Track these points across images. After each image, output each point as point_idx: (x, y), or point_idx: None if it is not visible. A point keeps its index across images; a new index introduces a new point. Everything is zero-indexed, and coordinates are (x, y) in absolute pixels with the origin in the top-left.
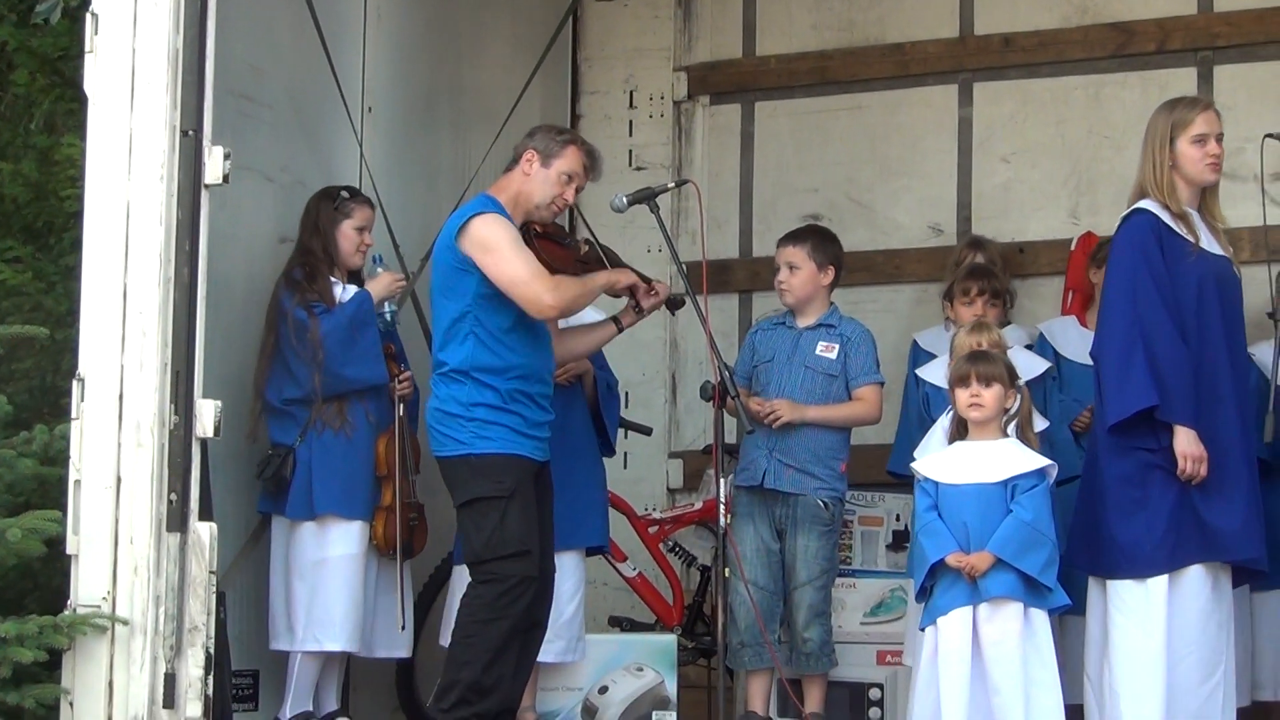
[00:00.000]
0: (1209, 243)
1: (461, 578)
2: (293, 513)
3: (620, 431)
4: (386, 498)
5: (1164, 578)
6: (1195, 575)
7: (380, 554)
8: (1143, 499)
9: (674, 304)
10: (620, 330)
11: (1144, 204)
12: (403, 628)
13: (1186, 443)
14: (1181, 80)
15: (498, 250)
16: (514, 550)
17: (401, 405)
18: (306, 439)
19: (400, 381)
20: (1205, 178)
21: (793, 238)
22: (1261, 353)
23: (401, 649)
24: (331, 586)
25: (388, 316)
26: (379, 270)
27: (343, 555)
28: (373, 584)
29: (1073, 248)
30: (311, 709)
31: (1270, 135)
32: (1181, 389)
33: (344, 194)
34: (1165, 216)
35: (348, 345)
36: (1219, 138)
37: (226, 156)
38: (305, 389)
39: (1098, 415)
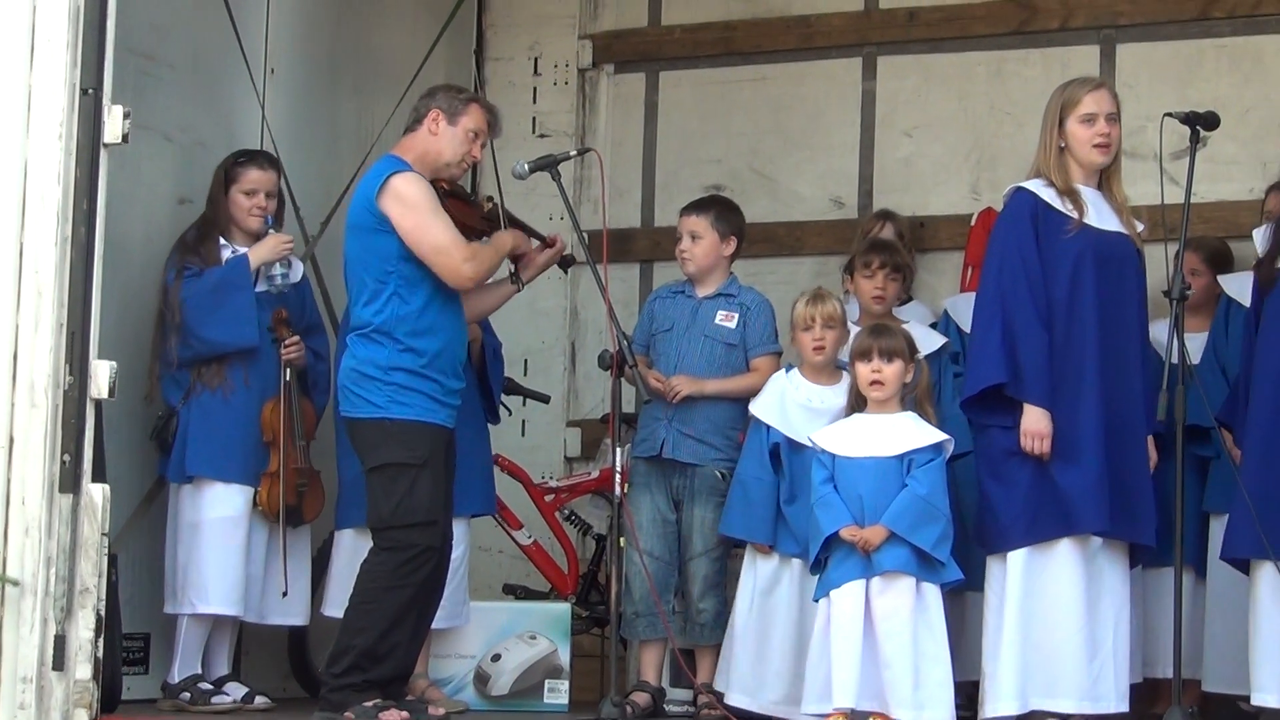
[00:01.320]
0: (1102, 218)
1: (343, 543)
2: (172, 475)
3: (518, 399)
4: (273, 463)
5: (1022, 553)
6: (1064, 551)
7: (264, 519)
8: (1001, 475)
9: (565, 262)
10: (520, 288)
11: (1027, 182)
12: (285, 594)
13: (1031, 420)
14: (1084, 58)
15: (418, 212)
16: (421, 519)
17: (289, 370)
18: (188, 401)
19: (287, 345)
20: (1093, 158)
21: (696, 207)
22: (1158, 331)
23: (297, 616)
24: (206, 550)
25: (278, 280)
26: (270, 233)
27: (219, 518)
28: (262, 550)
29: (973, 223)
30: (200, 672)
31: (1169, 114)
32: (1034, 368)
33: (241, 158)
34: (1049, 194)
35: (210, 308)
36: (1110, 117)
37: (126, 116)
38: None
39: None
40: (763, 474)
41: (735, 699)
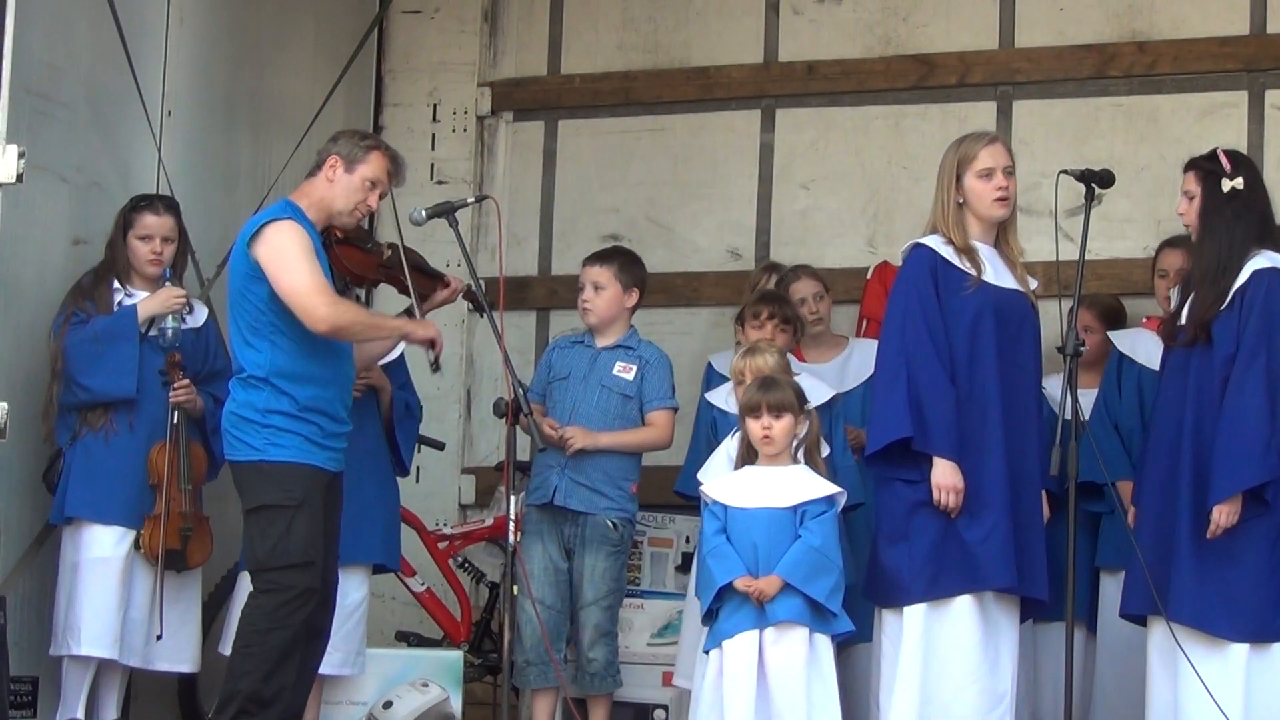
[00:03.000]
0: (999, 276)
1: (245, 587)
2: (52, 515)
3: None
4: (158, 506)
5: (921, 607)
6: (962, 606)
7: (148, 562)
8: (905, 529)
9: (480, 307)
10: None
11: (925, 239)
12: (159, 638)
13: (941, 474)
14: (981, 114)
15: (282, 259)
16: (298, 560)
17: (177, 413)
18: (74, 443)
19: (176, 389)
20: (993, 212)
21: (599, 258)
22: (1052, 386)
23: (185, 663)
24: (83, 591)
25: (169, 333)
26: (166, 284)
27: (96, 559)
28: (147, 594)
29: (869, 276)
30: (80, 716)
31: (1065, 171)
32: (941, 421)
33: (140, 203)
34: (948, 251)
35: (91, 357)
36: (1007, 171)
37: (21, 155)
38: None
39: None
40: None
41: None
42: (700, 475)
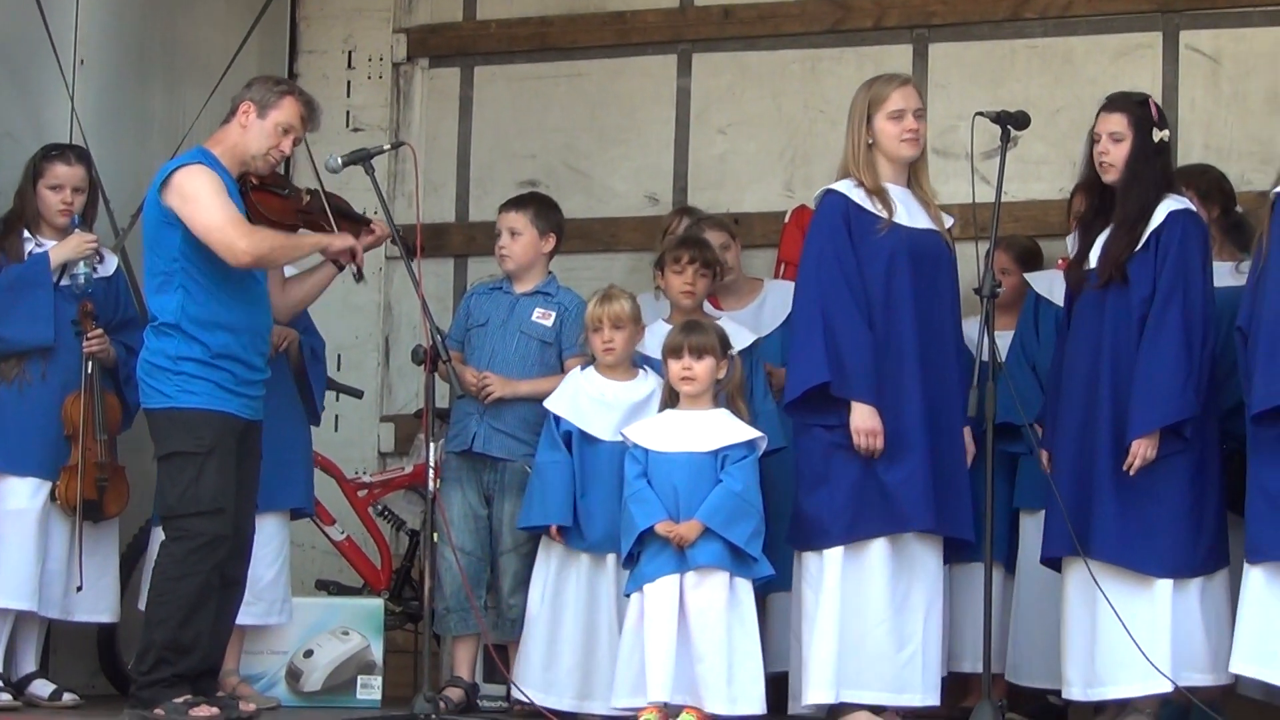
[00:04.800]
0: (912, 216)
1: (159, 538)
2: None
3: (331, 394)
4: (73, 457)
5: (840, 550)
6: (877, 548)
7: (64, 513)
8: (825, 473)
9: (409, 253)
10: (341, 269)
11: (836, 184)
12: (79, 589)
13: (860, 418)
14: (896, 57)
15: (195, 199)
16: (207, 508)
17: (91, 363)
18: None
19: (89, 339)
20: (903, 153)
21: (515, 204)
22: (970, 328)
23: (104, 613)
24: (1, 543)
25: (80, 279)
26: (75, 232)
27: (12, 511)
28: (64, 545)
29: (786, 220)
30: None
31: (981, 113)
32: (858, 365)
33: (51, 153)
34: (858, 195)
35: (6, 306)
36: (917, 113)
37: None
38: None
39: None
40: (557, 456)
41: (529, 694)
42: (549, 404)
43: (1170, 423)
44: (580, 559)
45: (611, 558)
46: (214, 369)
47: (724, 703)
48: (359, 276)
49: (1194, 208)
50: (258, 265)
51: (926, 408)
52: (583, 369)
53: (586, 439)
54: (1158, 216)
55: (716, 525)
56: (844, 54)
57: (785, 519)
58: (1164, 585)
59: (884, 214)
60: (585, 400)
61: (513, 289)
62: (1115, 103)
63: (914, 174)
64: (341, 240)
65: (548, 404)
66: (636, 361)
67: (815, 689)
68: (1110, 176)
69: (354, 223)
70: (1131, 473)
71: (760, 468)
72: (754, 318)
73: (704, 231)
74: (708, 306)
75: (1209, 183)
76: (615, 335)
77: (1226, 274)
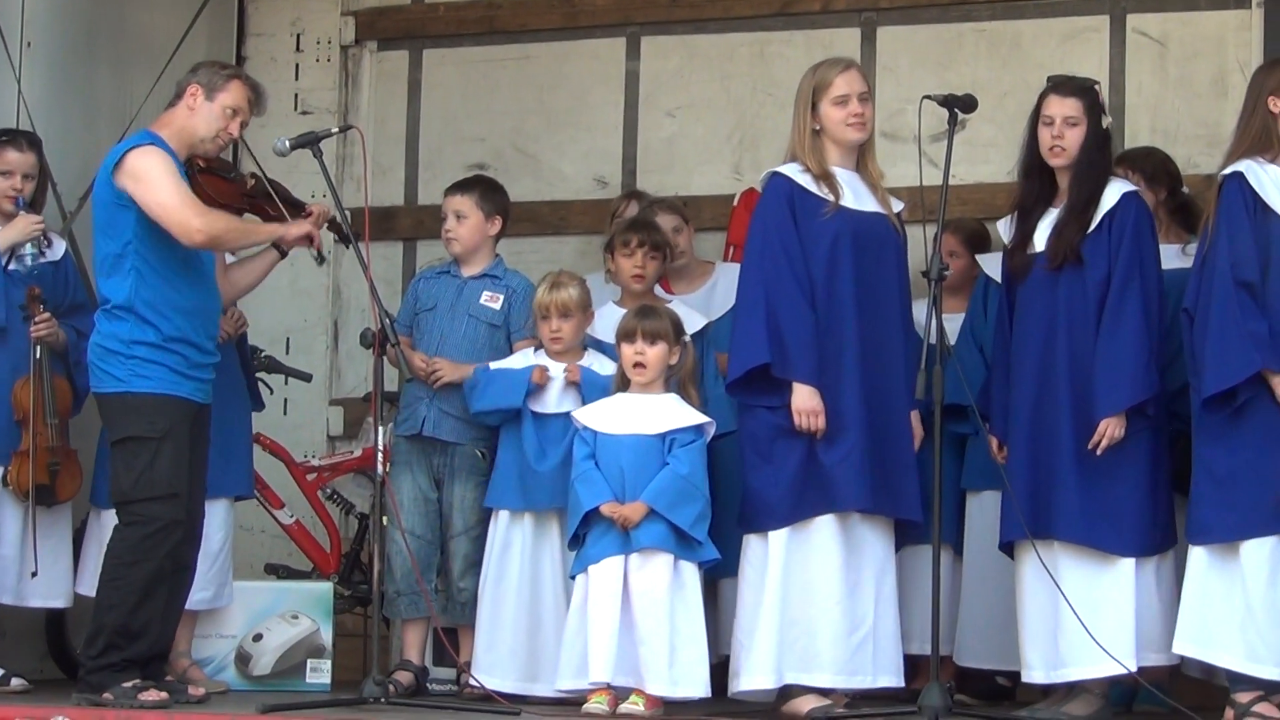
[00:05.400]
0: (859, 200)
1: (98, 522)
2: None
3: (280, 378)
4: (24, 442)
5: (784, 531)
6: (824, 529)
7: (17, 499)
8: (768, 454)
9: (346, 238)
10: (283, 255)
11: (782, 168)
12: (34, 574)
13: (801, 399)
14: (845, 40)
15: (149, 180)
16: (162, 493)
17: (39, 348)
18: None
19: (37, 323)
20: (849, 137)
21: (460, 186)
22: (919, 311)
23: (57, 598)
24: None
25: (28, 260)
26: (20, 214)
27: None
28: (17, 530)
29: (735, 203)
30: None
31: (928, 97)
32: (799, 347)
33: (3, 138)
34: (805, 178)
35: None
36: (862, 97)
37: None
38: None
39: None
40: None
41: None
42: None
43: (1138, 401)
44: (524, 542)
45: (556, 543)
46: (167, 353)
47: (666, 685)
48: (320, 259)
49: (1138, 190)
50: (210, 246)
51: (866, 389)
52: (535, 350)
53: (537, 417)
54: (1109, 198)
55: (661, 507)
56: (792, 37)
57: (737, 503)
58: (1127, 564)
59: (830, 197)
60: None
61: (460, 273)
62: (1067, 87)
63: (862, 157)
64: (298, 228)
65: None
66: (586, 345)
67: (755, 674)
68: (1060, 161)
69: (294, 207)
70: (1099, 453)
71: (712, 451)
72: (705, 301)
73: (657, 214)
74: (659, 290)
75: (1155, 165)
76: (563, 324)
77: (1173, 256)
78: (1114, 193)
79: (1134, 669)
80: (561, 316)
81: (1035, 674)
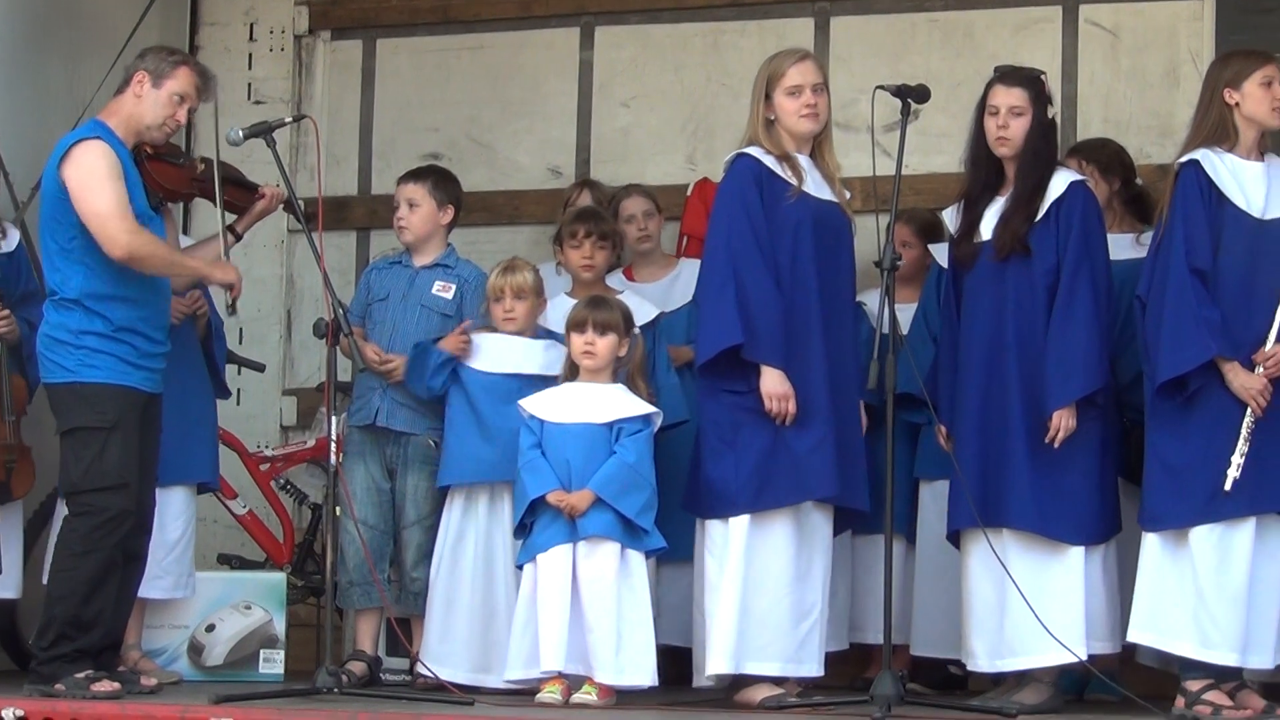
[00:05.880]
0: (817, 187)
1: (63, 513)
2: None
3: (234, 368)
4: None
5: (745, 518)
6: (782, 515)
7: None
8: (733, 440)
9: (307, 217)
10: (238, 239)
11: (748, 149)
12: None
13: (771, 383)
14: (798, 31)
15: (88, 181)
16: (112, 483)
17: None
18: None
19: None
20: (802, 128)
21: (414, 175)
22: (871, 301)
23: (10, 589)
24: None
25: None
26: None
27: None
28: None
29: (689, 193)
30: None
31: (881, 87)
32: (769, 330)
33: None
34: (769, 160)
35: None
36: (816, 87)
37: None
38: None
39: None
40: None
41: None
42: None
43: (1090, 392)
44: (478, 530)
45: (508, 534)
46: (116, 343)
47: (613, 673)
48: (231, 310)
49: (1086, 180)
50: (129, 263)
51: (829, 377)
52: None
53: (474, 374)
54: (1056, 188)
55: (608, 496)
56: (746, 27)
57: (680, 492)
58: (1076, 553)
59: (794, 181)
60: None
61: (412, 262)
62: (1012, 77)
63: (818, 148)
64: (223, 274)
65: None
66: (539, 335)
67: (715, 660)
68: (1006, 150)
69: (246, 190)
70: (1057, 445)
71: (661, 442)
72: (665, 292)
73: (629, 197)
74: (622, 278)
75: (1109, 156)
76: (517, 305)
77: (1127, 246)
78: (1060, 182)
79: (1084, 657)
80: (516, 297)
81: (979, 663)
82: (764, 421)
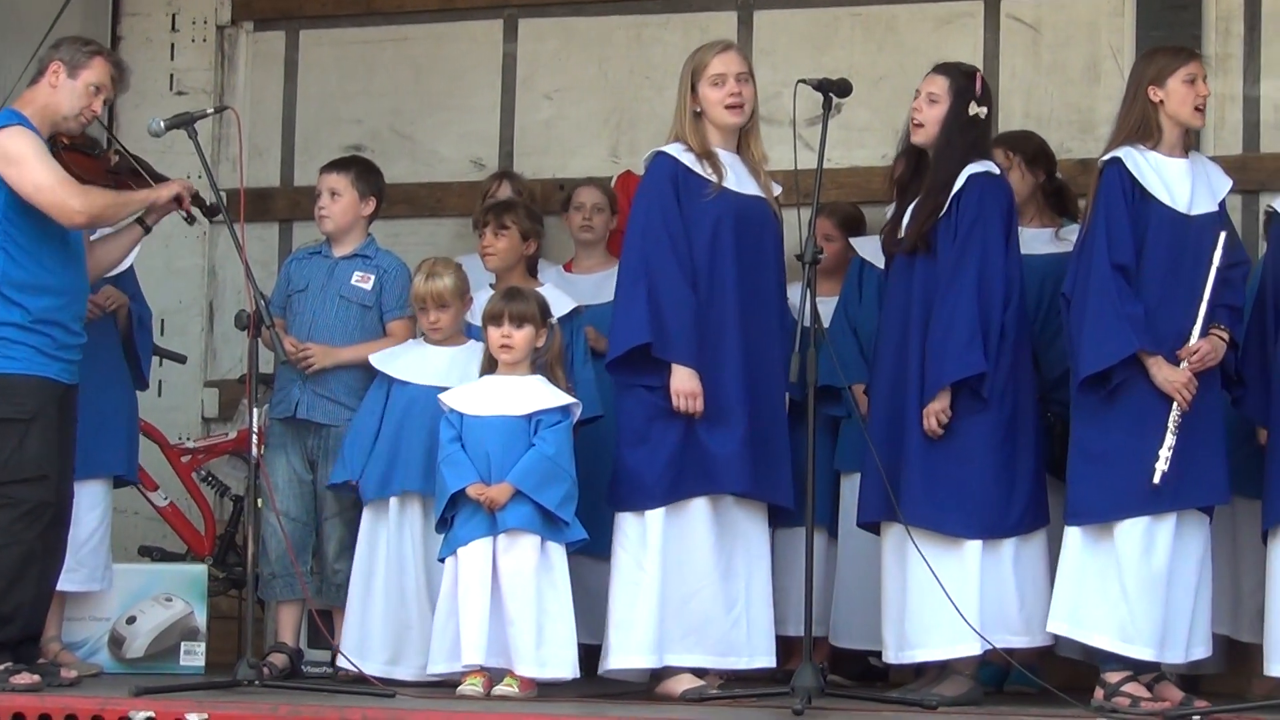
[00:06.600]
0: (741, 182)
1: None
2: None
3: (155, 359)
4: None
5: (660, 511)
6: (697, 509)
7: None
8: (646, 434)
9: (210, 211)
10: (148, 231)
11: (666, 147)
12: None
13: (680, 380)
14: (722, 24)
15: (22, 161)
16: (31, 474)
17: None
18: None
19: None
20: (727, 119)
21: (336, 165)
22: (794, 294)
23: None
24: None
25: None
26: None
27: None
28: None
29: (612, 185)
30: None
31: (803, 81)
32: (680, 328)
33: None
34: (688, 158)
35: None
36: (740, 77)
37: None
38: None
39: None
40: (369, 420)
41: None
42: (372, 358)
43: (954, 380)
44: (389, 523)
45: (418, 516)
46: (34, 333)
47: (534, 666)
48: (190, 220)
49: (995, 171)
50: (91, 224)
51: (747, 373)
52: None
53: (398, 388)
54: (959, 181)
55: (527, 488)
56: (669, 20)
57: (604, 486)
58: (973, 546)
59: (713, 178)
60: (414, 360)
61: (331, 253)
62: (941, 67)
63: (744, 140)
64: (168, 189)
65: (374, 360)
66: (468, 333)
67: (633, 652)
68: (919, 138)
69: (156, 182)
70: (930, 435)
71: (577, 435)
72: (599, 285)
73: (583, 188)
74: (560, 270)
75: (1034, 149)
76: (440, 315)
77: (1047, 240)
78: (963, 176)
79: (979, 651)
80: (439, 307)
81: (889, 653)
82: (676, 417)
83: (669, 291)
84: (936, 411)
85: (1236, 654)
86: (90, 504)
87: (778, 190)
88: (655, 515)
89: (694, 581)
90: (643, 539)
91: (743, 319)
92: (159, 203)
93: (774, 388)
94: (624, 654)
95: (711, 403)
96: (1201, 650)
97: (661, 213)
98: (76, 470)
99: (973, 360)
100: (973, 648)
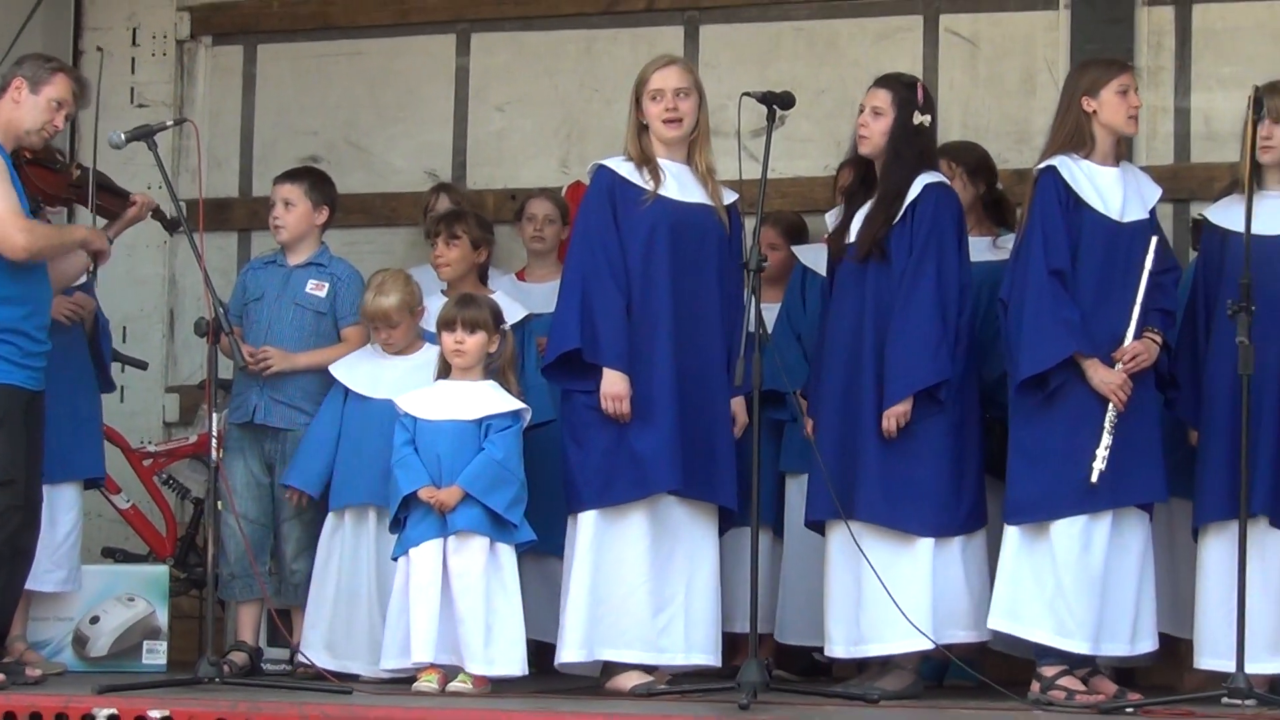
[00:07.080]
0: (684, 191)
1: None
2: None
3: (117, 365)
4: None
5: (594, 513)
6: (632, 510)
7: None
8: (582, 438)
9: (171, 225)
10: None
11: (608, 160)
12: None
13: (609, 384)
14: (669, 38)
15: None
16: None
17: None
18: None
19: None
20: (664, 133)
21: (290, 176)
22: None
23: None
24: None
25: None
26: None
27: None
28: None
29: (562, 195)
30: None
31: (747, 93)
32: (609, 333)
33: None
34: (627, 168)
35: None
36: (678, 92)
37: None
38: None
39: None
40: (327, 429)
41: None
42: (332, 366)
43: (922, 387)
44: (345, 526)
45: (373, 523)
46: (0, 342)
47: (483, 664)
48: (92, 274)
49: (947, 181)
50: (31, 259)
51: (678, 376)
52: (372, 346)
53: (356, 398)
54: (913, 191)
55: (477, 491)
56: (618, 34)
57: (554, 489)
58: (925, 544)
59: (649, 186)
60: (369, 368)
61: (286, 261)
62: (883, 80)
63: (692, 151)
64: (97, 240)
65: (333, 368)
66: (424, 337)
67: (568, 648)
68: (865, 149)
69: (117, 197)
70: (889, 436)
71: (529, 439)
72: (550, 294)
73: (536, 199)
74: (512, 278)
75: (977, 160)
76: (391, 332)
77: (985, 249)
78: (919, 184)
79: (935, 644)
80: (390, 327)
81: (837, 649)
82: (607, 420)
83: (600, 297)
84: (899, 415)
85: (1168, 648)
86: (66, 506)
87: (732, 198)
88: (587, 517)
89: (629, 580)
90: (576, 540)
91: (676, 322)
92: (90, 246)
93: (714, 390)
94: (563, 649)
95: (642, 404)
96: (1148, 644)
97: (596, 224)
98: (53, 474)
99: (941, 367)
100: (925, 642)
